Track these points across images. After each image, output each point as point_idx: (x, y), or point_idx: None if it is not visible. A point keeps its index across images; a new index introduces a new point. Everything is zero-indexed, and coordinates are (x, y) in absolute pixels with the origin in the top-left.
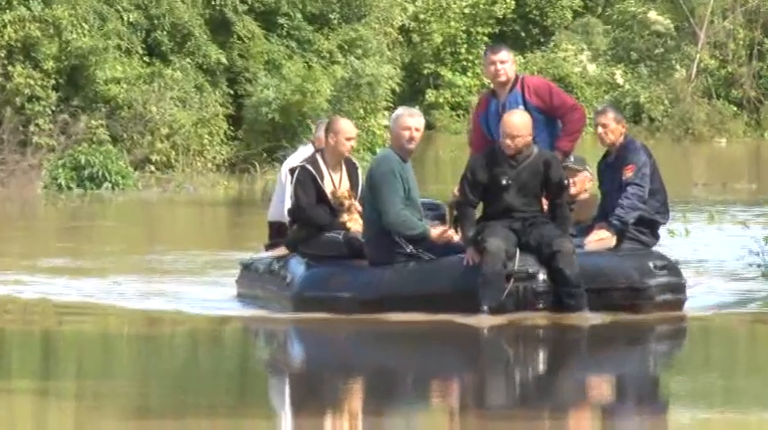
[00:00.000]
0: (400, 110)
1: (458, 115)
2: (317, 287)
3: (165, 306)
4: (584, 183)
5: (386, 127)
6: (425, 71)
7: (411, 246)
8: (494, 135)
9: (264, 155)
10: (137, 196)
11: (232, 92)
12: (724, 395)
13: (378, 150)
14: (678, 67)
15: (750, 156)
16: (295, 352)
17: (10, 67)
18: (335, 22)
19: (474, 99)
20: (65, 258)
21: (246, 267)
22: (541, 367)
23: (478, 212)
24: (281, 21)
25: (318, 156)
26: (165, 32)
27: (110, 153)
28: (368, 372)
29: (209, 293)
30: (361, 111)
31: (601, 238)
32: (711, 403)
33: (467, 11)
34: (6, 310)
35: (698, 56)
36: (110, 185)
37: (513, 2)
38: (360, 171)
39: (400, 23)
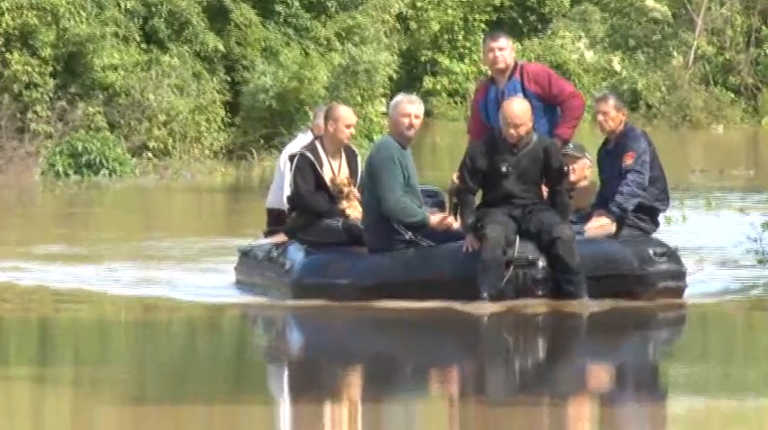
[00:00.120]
0: (399, 97)
1: (455, 102)
2: (316, 274)
3: (163, 293)
4: (584, 171)
5: (383, 114)
6: (423, 58)
7: (410, 233)
8: (492, 122)
9: (262, 142)
10: (134, 183)
11: (229, 79)
12: (723, 383)
13: (375, 137)
14: (675, 53)
15: (747, 142)
16: (294, 339)
17: (7, 55)
18: (333, 9)
19: (471, 86)
20: (62, 245)
21: (245, 254)
22: (541, 354)
23: (478, 199)
24: (279, 8)
25: (318, 144)
26: (162, 20)
27: (107, 140)
28: (366, 359)
29: (206, 280)
30: (359, 98)
31: (601, 225)
32: (711, 391)
33: None
34: (4, 298)
35: (695, 42)
36: (107, 172)
37: None
38: (359, 158)
39: (397, 11)
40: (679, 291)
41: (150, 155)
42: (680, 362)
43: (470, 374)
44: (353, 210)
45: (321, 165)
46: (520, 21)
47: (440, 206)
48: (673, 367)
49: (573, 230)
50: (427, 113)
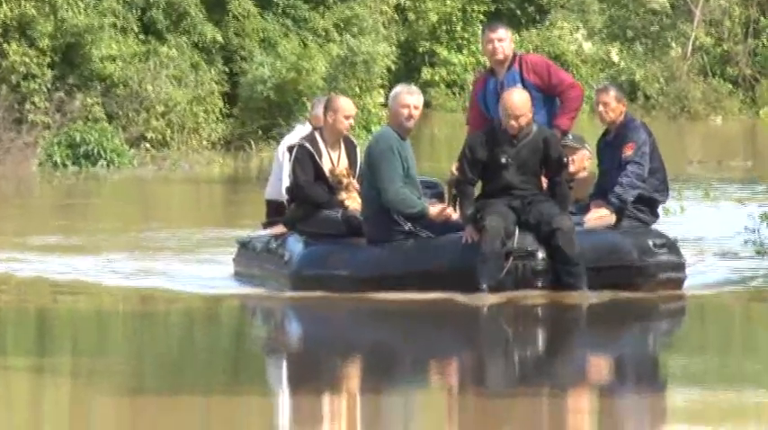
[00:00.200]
0: (399, 87)
1: (453, 93)
2: (315, 265)
3: (161, 284)
4: (583, 161)
5: (381, 105)
6: (421, 49)
7: (409, 224)
8: (492, 113)
9: (260, 132)
10: (132, 174)
11: (227, 70)
12: (722, 375)
13: (373, 128)
14: (674, 44)
15: (745, 133)
16: (292, 330)
17: (5, 45)
18: (331, 0)
19: (470, 77)
20: (60, 236)
21: (244, 245)
22: (540, 345)
23: (477, 190)
24: None
25: (317, 135)
26: (160, 10)
27: (105, 131)
28: (365, 351)
29: (204, 271)
30: (357, 89)
31: (600, 216)
32: (710, 383)
33: None
34: (1, 289)
35: (693, 34)
36: (105, 163)
37: None
38: (358, 149)
39: (396, 1)
40: (679, 283)
41: (148, 146)
42: (679, 353)
43: (469, 365)
44: (352, 201)
45: (320, 157)
46: (518, 11)
47: (439, 197)
48: (672, 358)
49: (572, 221)
50: (425, 104)
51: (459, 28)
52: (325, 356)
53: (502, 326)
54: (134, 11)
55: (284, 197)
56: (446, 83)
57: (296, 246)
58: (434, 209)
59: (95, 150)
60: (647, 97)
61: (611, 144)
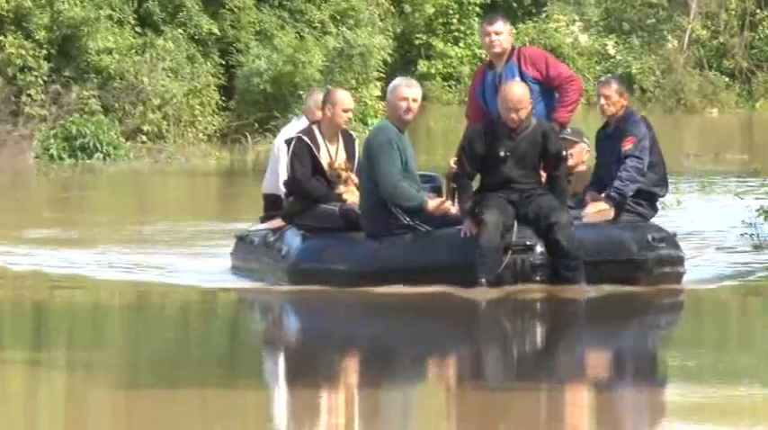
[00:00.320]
0: (397, 80)
1: (449, 86)
2: (312, 259)
3: (157, 277)
4: (582, 155)
5: (378, 98)
6: (417, 42)
7: (408, 218)
8: (490, 107)
9: (256, 125)
10: (128, 167)
11: (224, 62)
12: (719, 369)
13: (369, 121)
14: (670, 37)
15: (742, 126)
16: (290, 324)
17: (1, 38)
18: None
19: (466, 70)
20: (56, 229)
21: (241, 239)
22: (539, 340)
23: (476, 184)
24: None
25: (315, 128)
26: (156, 3)
27: (101, 123)
28: (363, 345)
29: (200, 265)
30: (353, 81)
31: (599, 210)
32: (707, 377)
33: None
34: None
35: (690, 26)
36: (101, 156)
37: None
38: (356, 143)
39: None
40: (678, 277)
41: (144, 138)
42: (677, 347)
43: (468, 360)
44: (351, 194)
45: (318, 150)
46: (514, 4)
47: (437, 191)
48: (670, 353)
49: (571, 215)
50: (422, 97)
51: (455, 20)
52: (323, 350)
53: (500, 321)
54: (130, 3)
55: (281, 191)
56: (442, 75)
57: (294, 239)
58: (433, 202)
59: (91, 143)
60: (643, 90)
61: (610, 137)
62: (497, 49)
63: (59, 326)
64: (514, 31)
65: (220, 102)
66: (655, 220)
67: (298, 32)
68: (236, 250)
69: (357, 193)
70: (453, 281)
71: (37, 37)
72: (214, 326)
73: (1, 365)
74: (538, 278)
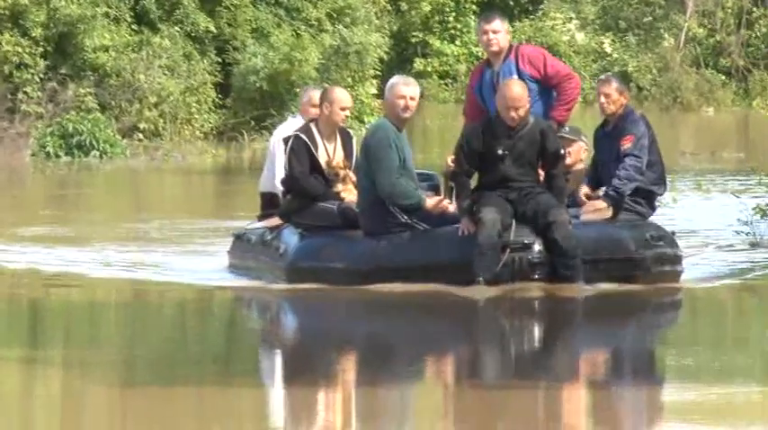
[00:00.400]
0: (395, 78)
1: (446, 84)
2: (310, 257)
3: (154, 275)
4: (580, 154)
5: (374, 95)
6: (414, 40)
7: (406, 216)
8: (488, 105)
9: (252, 123)
10: (125, 164)
11: (220, 60)
12: (716, 368)
13: (366, 119)
14: (666, 35)
15: (738, 125)
16: (287, 323)
17: None
18: None
19: (462, 68)
20: (52, 227)
21: (239, 238)
22: (537, 338)
23: (474, 182)
24: None
25: (312, 126)
26: (153, 0)
27: (98, 121)
28: (361, 343)
29: (197, 263)
30: (350, 79)
31: (597, 209)
32: (704, 375)
33: None
34: None
35: (686, 24)
36: (98, 153)
37: None
38: (354, 141)
39: None
40: (676, 275)
41: (141, 136)
42: (675, 346)
43: (466, 358)
44: (349, 193)
45: (316, 148)
46: (511, 2)
47: (435, 189)
48: (668, 351)
49: (569, 214)
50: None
51: (451, 18)
52: (321, 348)
53: (498, 319)
54: (127, 1)
55: (278, 189)
56: (438, 74)
57: (291, 238)
58: (431, 201)
59: (88, 141)
60: (639, 88)
61: (609, 135)
62: (495, 48)
63: (55, 324)
64: (510, 29)
65: (217, 99)
66: (651, 219)
67: (294, 30)
68: (234, 248)
69: (355, 192)
70: (451, 279)
71: (33, 34)
72: (211, 325)
73: None
74: (536, 276)
